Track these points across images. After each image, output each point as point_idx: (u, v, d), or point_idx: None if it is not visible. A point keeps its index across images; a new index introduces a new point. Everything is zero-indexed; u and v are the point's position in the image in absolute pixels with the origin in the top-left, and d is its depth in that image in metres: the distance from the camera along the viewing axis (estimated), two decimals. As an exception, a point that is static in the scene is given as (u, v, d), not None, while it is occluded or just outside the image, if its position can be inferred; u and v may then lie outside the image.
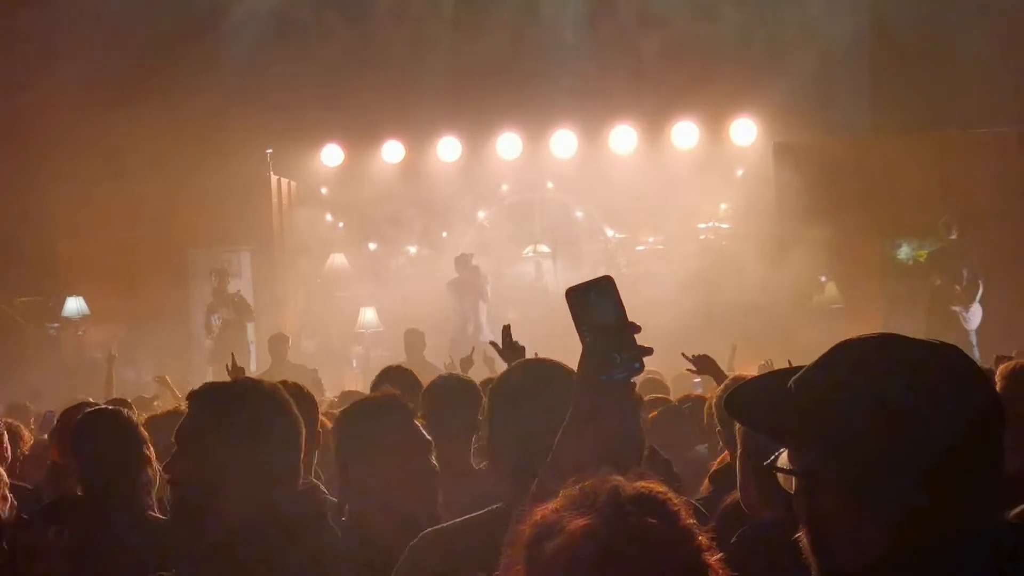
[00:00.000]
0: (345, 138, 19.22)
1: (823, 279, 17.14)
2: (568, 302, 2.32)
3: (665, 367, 12.91)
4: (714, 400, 4.66)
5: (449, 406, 5.03)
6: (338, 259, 19.45)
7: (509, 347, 5.54)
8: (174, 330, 17.41)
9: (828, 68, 17.45)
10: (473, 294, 16.65)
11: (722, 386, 3.65)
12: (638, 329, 2.33)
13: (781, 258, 16.68)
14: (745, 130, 18.53)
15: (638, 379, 2.38)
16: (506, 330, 5.54)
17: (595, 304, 2.33)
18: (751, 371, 9.05)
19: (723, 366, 10.59)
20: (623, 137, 18.86)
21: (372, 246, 20.12)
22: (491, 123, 18.84)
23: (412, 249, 20.16)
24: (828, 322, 16.16)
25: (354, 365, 17.46)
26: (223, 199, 17.42)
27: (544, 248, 19.67)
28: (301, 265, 19.10)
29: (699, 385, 10.49)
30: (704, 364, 6.98)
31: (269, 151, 18.47)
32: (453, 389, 5.28)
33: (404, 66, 18.02)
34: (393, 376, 6.18)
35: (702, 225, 18.95)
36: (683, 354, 7.15)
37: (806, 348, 7.50)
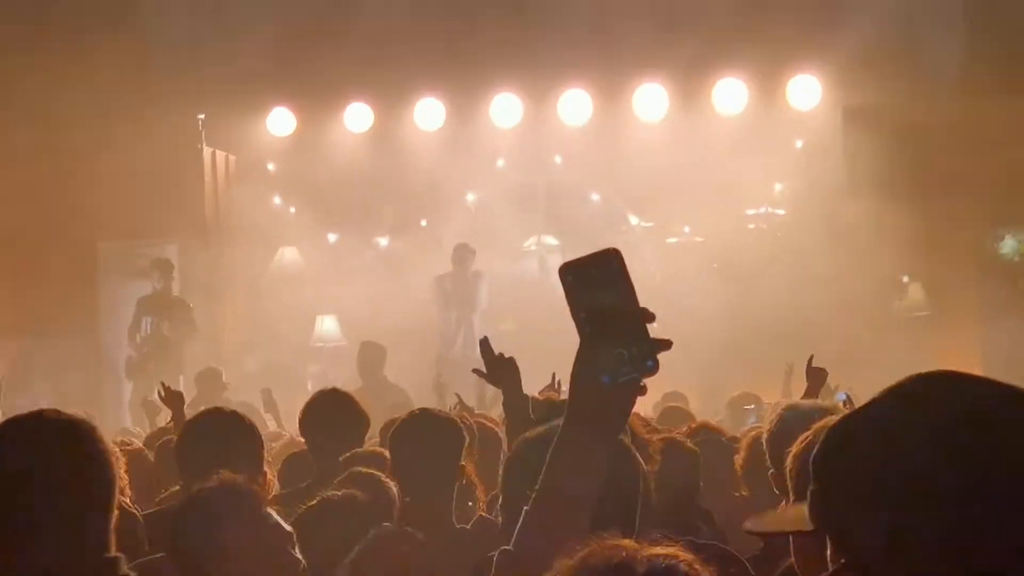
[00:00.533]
0: (298, 100, 19.23)
1: (905, 279, 17.17)
2: (562, 282, 2.30)
3: (705, 389, 12.96)
4: (768, 432, 4.65)
5: (419, 454, 5.05)
6: (289, 254, 19.46)
7: (494, 365, 5.56)
8: (80, 343, 17.40)
9: (912, 12, 17.47)
10: (466, 298, 16.64)
11: (811, 430, 3.57)
12: (651, 317, 2.28)
13: (851, 253, 16.70)
14: (806, 90, 18.54)
15: (655, 402, 2.38)
16: (484, 345, 5.55)
17: (597, 284, 2.30)
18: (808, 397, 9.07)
19: (776, 391, 10.63)
20: (650, 99, 18.88)
21: (332, 237, 20.11)
22: (483, 81, 18.87)
23: (383, 241, 20.16)
24: (911, 334, 16.22)
25: (310, 389, 17.45)
26: (141, 179, 17.40)
27: (550, 240, 19.67)
28: (242, 262, 19.10)
29: (753, 413, 10.52)
30: (814, 378, 7.12)
31: (201, 117, 18.46)
32: (424, 430, 5.30)
33: (373, 9, 18.02)
34: (326, 407, 6.21)
35: (751, 211, 18.96)
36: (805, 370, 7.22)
37: (884, 368, 7.56)
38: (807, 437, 3.50)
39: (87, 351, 17.60)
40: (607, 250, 2.34)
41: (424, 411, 5.77)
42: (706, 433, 6.78)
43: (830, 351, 15.41)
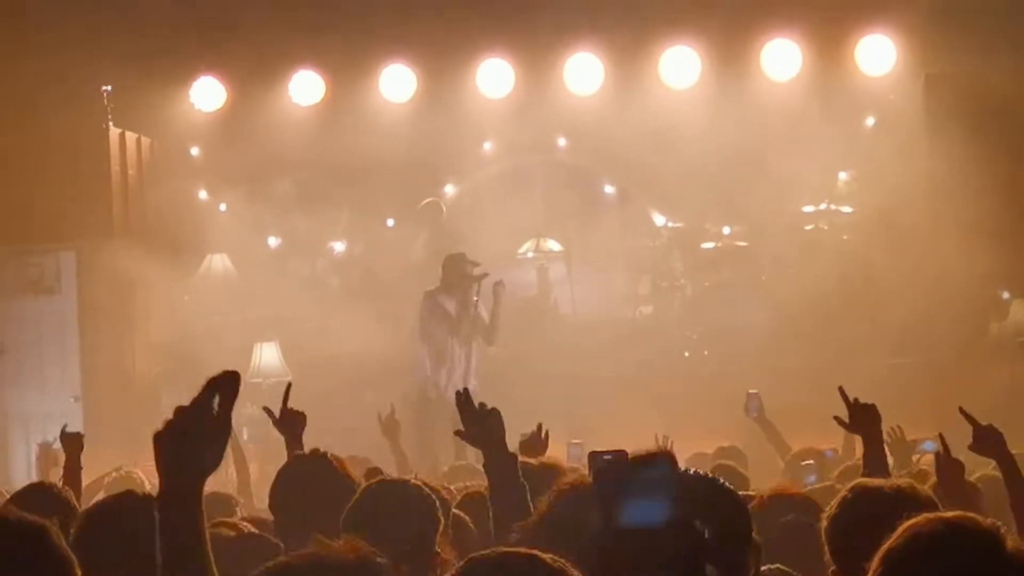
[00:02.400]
0: (229, 68, 19.23)
1: (1005, 295, 17.21)
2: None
3: (758, 436, 12.98)
4: (828, 518, 4.66)
5: (380, 542, 5.07)
6: (218, 263, 19.46)
7: (472, 419, 5.58)
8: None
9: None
10: (464, 322, 16.49)
11: (898, 532, 3.56)
12: None
13: (936, 262, 16.74)
14: (877, 54, 18.59)
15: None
16: (461, 398, 5.58)
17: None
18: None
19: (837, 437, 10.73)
20: (680, 64, 18.87)
21: (273, 241, 20.13)
22: (465, 42, 18.88)
23: (338, 246, 20.17)
24: (1013, 364, 16.27)
25: (244, 438, 17.47)
26: (30, 169, 17.41)
27: (551, 245, 19.72)
28: (158, 273, 19.10)
29: (813, 471, 10.60)
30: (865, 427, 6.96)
31: (106, 89, 18.46)
32: (389, 510, 5.33)
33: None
34: (307, 477, 6.22)
35: (809, 208, 19.01)
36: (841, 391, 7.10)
37: (982, 408, 7.56)
38: (896, 540, 3.48)
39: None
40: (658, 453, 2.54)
41: (382, 482, 5.77)
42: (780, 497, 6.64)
43: (913, 386, 15.72)
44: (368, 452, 11.77)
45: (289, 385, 5.64)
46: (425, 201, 17.66)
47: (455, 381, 15.99)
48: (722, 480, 3.68)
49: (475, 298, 16.13)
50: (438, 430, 14.59)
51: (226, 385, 3.14)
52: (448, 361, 16.19)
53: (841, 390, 7.09)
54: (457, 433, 5.85)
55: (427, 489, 5.63)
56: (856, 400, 7.02)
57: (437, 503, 5.58)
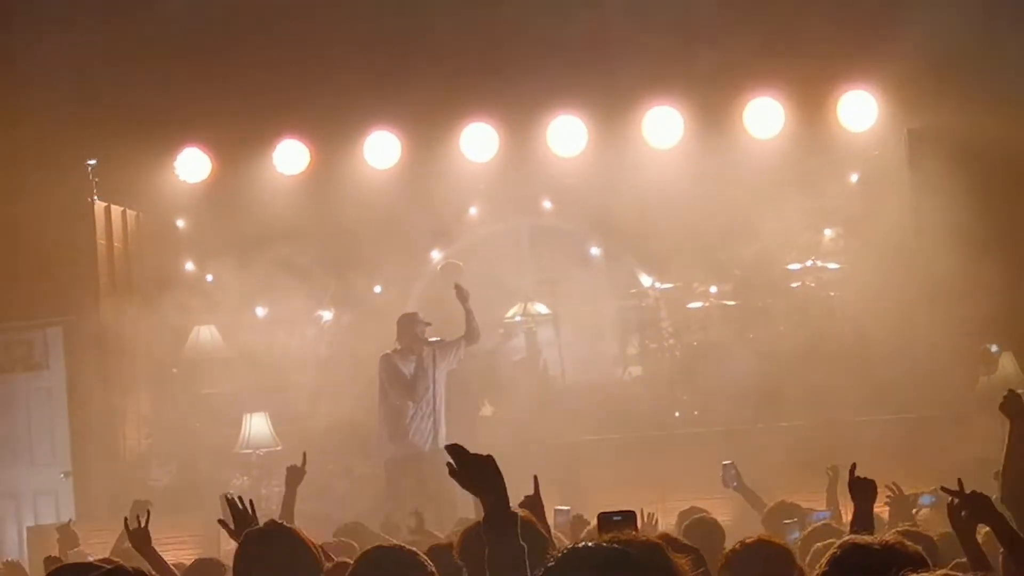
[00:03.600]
0: (214, 137, 19.29)
1: (993, 348, 17.22)
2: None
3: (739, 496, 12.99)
4: (820, 573, 4.68)
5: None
6: (206, 334, 19.46)
7: (465, 464, 5.59)
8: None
9: (990, 10, 17.60)
10: (420, 383, 16.49)
11: None
12: None
13: (924, 316, 16.79)
14: (859, 110, 18.68)
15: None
16: (453, 448, 5.58)
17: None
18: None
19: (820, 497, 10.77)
20: (663, 124, 18.95)
21: (260, 312, 20.13)
22: (448, 107, 18.95)
23: (325, 315, 20.17)
24: (1003, 418, 16.25)
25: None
26: (15, 244, 17.41)
27: (540, 308, 19.73)
28: (146, 346, 19.12)
29: (795, 527, 10.61)
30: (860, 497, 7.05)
31: (91, 163, 18.51)
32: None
33: (308, 21, 18.14)
34: (266, 553, 6.24)
35: (795, 265, 19.04)
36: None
37: (970, 463, 7.57)
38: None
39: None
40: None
41: (381, 551, 5.78)
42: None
43: (903, 441, 15.73)
44: (359, 519, 11.81)
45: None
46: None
47: (418, 442, 15.99)
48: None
49: (431, 360, 16.12)
50: (404, 488, 14.59)
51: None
52: (407, 422, 16.14)
53: (852, 466, 7.25)
54: (451, 474, 5.80)
55: (422, 556, 5.65)
56: (857, 476, 7.15)
57: (432, 569, 5.60)
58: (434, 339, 16.40)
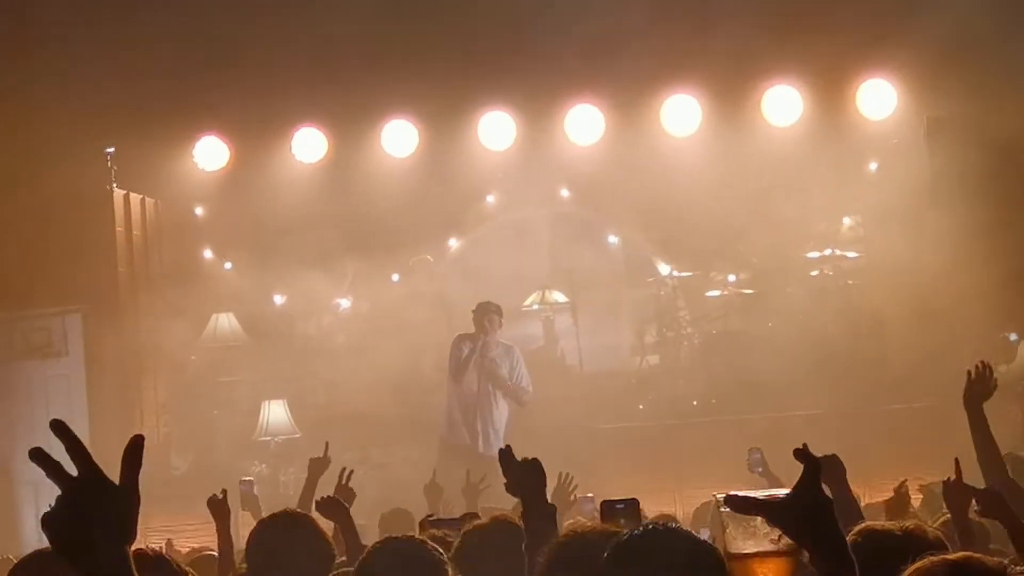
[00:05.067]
0: (232, 125, 19.31)
1: (1012, 337, 17.20)
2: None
3: (754, 486, 13.02)
4: None
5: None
6: (224, 322, 19.50)
7: (512, 469, 5.61)
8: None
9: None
10: (469, 369, 16.43)
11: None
12: None
13: (942, 304, 16.76)
14: (878, 98, 18.66)
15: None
16: (503, 453, 5.61)
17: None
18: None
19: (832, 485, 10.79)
20: (681, 113, 18.94)
21: (278, 299, 20.16)
22: (466, 96, 18.95)
23: (343, 303, 20.20)
24: (1022, 406, 16.23)
25: (256, 493, 17.48)
26: (34, 232, 17.45)
27: (557, 297, 19.73)
28: (165, 334, 19.15)
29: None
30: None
31: (109, 150, 18.54)
32: (395, 567, 5.37)
33: (326, 9, 18.13)
34: (275, 538, 6.23)
35: (814, 254, 19.03)
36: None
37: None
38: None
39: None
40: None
41: (390, 541, 5.79)
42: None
43: (921, 430, 15.70)
44: (376, 508, 11.82)
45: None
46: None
47: (462, 425, 15.97)
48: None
49: (491, 350, 16.04)
50: (450, 470, 14.53)
51: (131, 452, 2.93)
52: (454, 404, 16.14)
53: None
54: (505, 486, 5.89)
55: (431, 544, 5.67)
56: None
57: (445, 559, 5.62)
58: (508, 344, 16.38)
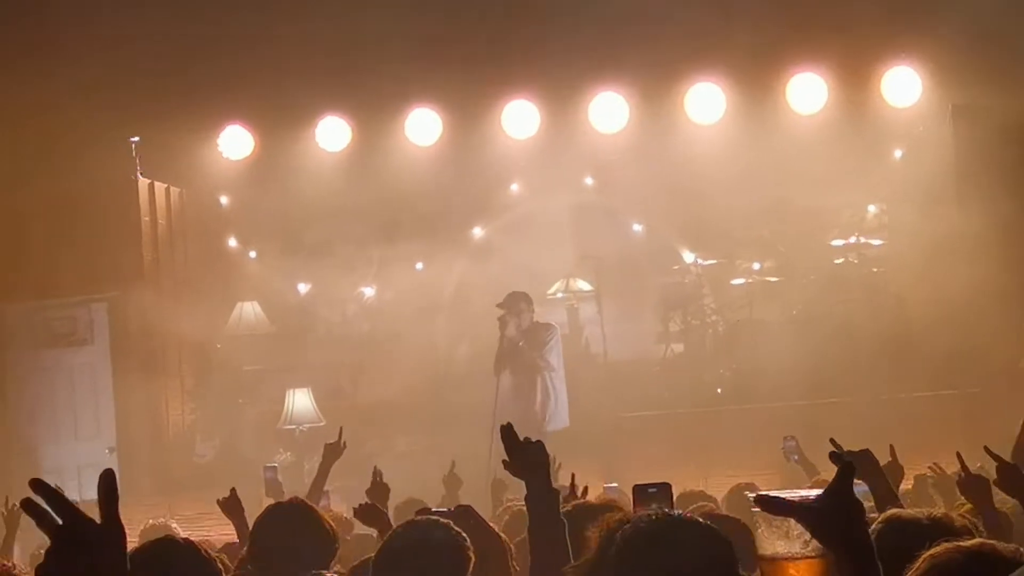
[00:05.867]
0: (257, 115, 19.35)
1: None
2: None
3: (786, 474, 13.00)
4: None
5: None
6: (249, 311, 19.54)
7: (515, 450, 5.62)
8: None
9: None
10: (500, 357, 16.36)
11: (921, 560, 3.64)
12: None
13: (967, 293, 16.72)
14: (904, 86, 18.62)
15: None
16: (504, 431, 5.61)
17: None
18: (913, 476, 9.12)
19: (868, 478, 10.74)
20: (706, 100, 18.94)
21: (303, 288, 20.19)
22: (490, 84, 18.96)
23: (368, 291, 20.22)
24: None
25: (281, 480, 17.51)
26: (59, 221, 17.51)
27: (581, 285, 19.73)
28: (190, 323, 19.19)
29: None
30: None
31: (135, 140, 18.59)
32: (414, 548, 5.39)
33: (347, 6, 18.14)
34: (281, 526, 6.25)
35: (839, 242, 19.00)
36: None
37: (1014, 438, 7.54)
38: (917, 570, 3.54)
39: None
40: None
41: (415, 523, 5.80)
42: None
43: (945, 419, 15.68)
44: (400, 498, 11.83)
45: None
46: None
47: (508, 413, 15.91)
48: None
49: (519, 340, 15.96)
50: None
51: (104, 485, 2.99)
52: (499, 392, 16.03)
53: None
54: (503, 464, 5.87)
55: (455, 528, 5.69)
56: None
57: (467, 542, 5.64)
58: (547, 323, 16.33)
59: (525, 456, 5.50)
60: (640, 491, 4.50)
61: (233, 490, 8.83)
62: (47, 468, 18.01)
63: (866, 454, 6.89)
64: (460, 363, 18.00)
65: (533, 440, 5.63)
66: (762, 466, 12.69)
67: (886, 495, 6.68)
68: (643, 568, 3.45)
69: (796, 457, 11.93)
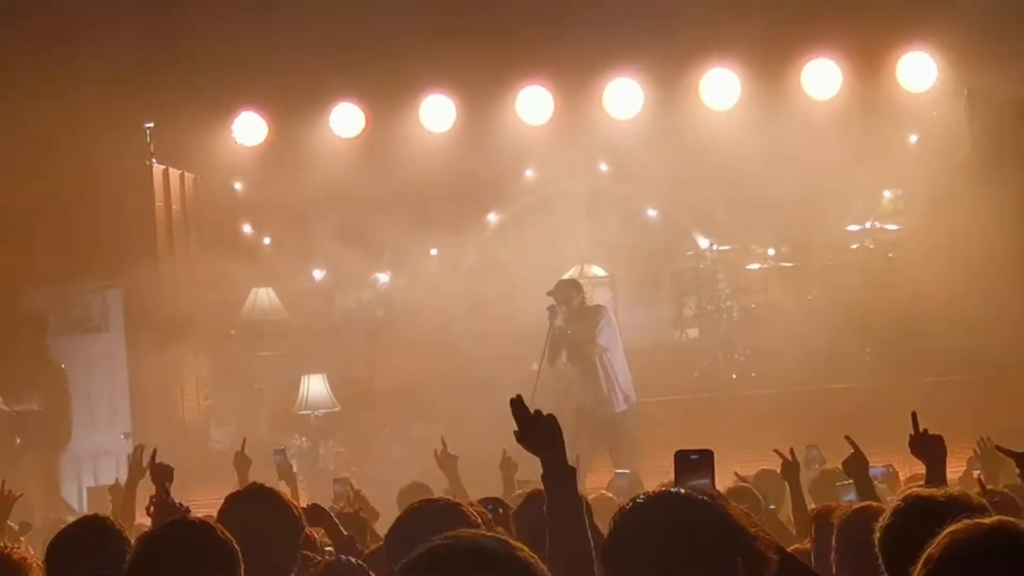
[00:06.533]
0: (271, 101, 19.37)
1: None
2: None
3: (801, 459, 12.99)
4: (881, 529, 4.66)
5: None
6: (264, 297, 19.55)
7: (527, 423, 5.59)
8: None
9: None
10: (547, 345, 16.24)
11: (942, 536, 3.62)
12: None
13: (982, 277, 16.70)
14: (918, 70, 18.60)
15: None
16: (515, 404, 5.57)
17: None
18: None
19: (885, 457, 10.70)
20: (720, 86, 18.95)
21: (318, 274, 20.19)
22: (504, 70, 18.95)
23: (382, 277, 20.22)
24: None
25: (295, 469, 17.53)
26: (74, 207, 17.52)
27: (596, 270, 19.71)
28: (205, 308, 19.21)
29: (849, 490, 10.55)
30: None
31: (149, 126, 18.60)
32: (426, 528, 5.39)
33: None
34: (246, 512, 6.26)
35: (854, 227, 18.97)
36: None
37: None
38: (937, 545, 3.52)
39: (6, 420, 17.75)
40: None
41: (426, 503, 5.81)
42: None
43: (961, 403, 15.64)
44: (417, 481, 11.83)
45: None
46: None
47: (574, 402, 15.86)
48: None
49: (568, 327, 15.87)
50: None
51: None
52: (543, 380, 15.94)
53: (914, 416, 7.03)
54: (515, 435, 5.81)
55: (467, 508, 5.69)
56: (925, 430, 6.97)
57: (478, 521, 5.64)
58: (597, 305, 16.28)
59: (538, 429, 5.46)
60: (681, 457, 4.42)
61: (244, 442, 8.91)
62: (63, 453, 18.04)
63: (937, 438, 6.86)
64: (475, 349, 17.98)
65: (545, 414, 5.61)
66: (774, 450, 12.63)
67: (940, 479, 6.68)
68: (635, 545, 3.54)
69: (817, 466, 11.85)
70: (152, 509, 7.05)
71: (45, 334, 17.33)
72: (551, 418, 5.42)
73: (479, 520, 5.74)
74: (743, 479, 8.76)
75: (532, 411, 5.45)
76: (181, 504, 7.32)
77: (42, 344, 17.20)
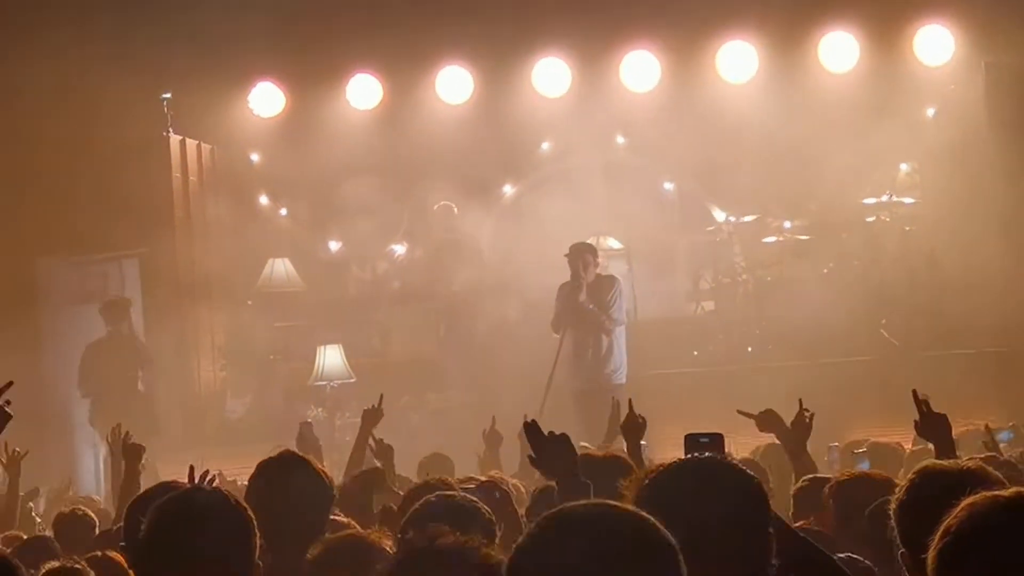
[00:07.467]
0: (287, 73, 19.38)
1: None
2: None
3: (816, 430, 13.00)
4: (897, 501, 4.65)
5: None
6: (280, 268, 19.57)
7: (540, 447, 5.59)
8: (17, 381, 17.54)
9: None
10: (565, 315, 16.22)
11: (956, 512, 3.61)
12: None
13: (999, 251, 16.67)
14: (936, 44, 18.54)
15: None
16: (528, 428, 5.58)
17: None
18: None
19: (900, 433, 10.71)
20: (738, 59, 18.91)
21: (334, 246, 20.20)
22: (521, 42, 18.93)
23: (398, 248, 20.23)
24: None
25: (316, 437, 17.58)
26: (91, 178, 17.53)
27: (612, 243, 19.69)
28: (221, 279, 19.25)
29: (866, 458, 10.59)
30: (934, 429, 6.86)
31: (166, 96, 18.60)
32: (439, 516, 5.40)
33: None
34: (276, 479, 6.26)
35: (871, 200, 18.93)
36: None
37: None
38: (954, 517, 3.52)
39: (25, 390, 17.76)
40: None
41: (439, 500, 5.82)
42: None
43: (978, 376, 15.65)
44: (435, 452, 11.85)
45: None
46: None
47: (575, 371, 15.83)
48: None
49: (581, 294, 15.83)
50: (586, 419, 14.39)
51: None
52: (560, 351, 15.92)
53: (915, 394, 7.02)
54: (529, 460, 5.85)
55: (480, 504, 5.72)
56: (928, 408, 6.96)
57: (488, 513, 5.65)
58: (610, 276, 16.26)
59: (552, 452, 5.47)
60: (692, 440, 4.43)
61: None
62: (80, 424, 18.11)
63: (942, 417, 6.89)
64: (492, 318, 17.98)
65: (557, 434, 5.61)
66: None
67: (949, 452, 6.66)
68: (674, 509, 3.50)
69: (837, 466, 11.80)
70: (193, 478, 7.00)
71: (127, 317, 17.50)
72: (563, 438, 5.44)
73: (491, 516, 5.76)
74: (746, 414, 8.99)
75: (545, 433, 5.49)
76: (207, 472, 7.36)
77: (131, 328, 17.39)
